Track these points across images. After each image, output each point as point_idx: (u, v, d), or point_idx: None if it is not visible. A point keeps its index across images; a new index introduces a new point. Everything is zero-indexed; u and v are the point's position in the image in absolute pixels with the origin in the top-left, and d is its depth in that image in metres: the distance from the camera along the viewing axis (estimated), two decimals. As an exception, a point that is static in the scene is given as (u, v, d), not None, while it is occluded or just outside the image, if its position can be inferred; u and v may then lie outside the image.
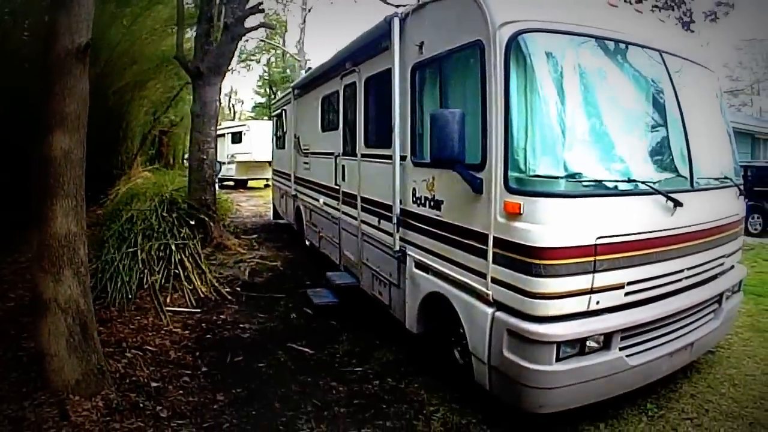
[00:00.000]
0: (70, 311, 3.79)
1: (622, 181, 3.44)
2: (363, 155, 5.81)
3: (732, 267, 4.45)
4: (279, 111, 11.45)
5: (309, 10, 31.54)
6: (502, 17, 3.38)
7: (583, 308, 3.22)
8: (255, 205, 17.00)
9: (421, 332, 4.58)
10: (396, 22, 4.69)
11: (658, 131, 3.85)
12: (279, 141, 11.90)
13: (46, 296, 3.74)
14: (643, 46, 3.93)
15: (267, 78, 42.08)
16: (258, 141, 22.42)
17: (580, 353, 3.24)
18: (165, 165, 15.39)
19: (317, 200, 7.83)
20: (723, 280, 4.25)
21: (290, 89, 10.04)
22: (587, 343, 3.23)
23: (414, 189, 4.47)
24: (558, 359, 3.16)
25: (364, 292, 6.00)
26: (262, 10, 9.43)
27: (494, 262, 3.40)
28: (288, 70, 36.73)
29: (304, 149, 8.83)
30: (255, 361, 4.73)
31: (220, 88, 10.08)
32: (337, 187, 6.74)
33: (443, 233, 4.03)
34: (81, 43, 3.84)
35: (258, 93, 45.78)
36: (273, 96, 37.69)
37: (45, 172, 3.77)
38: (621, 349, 3.37)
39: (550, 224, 3.14)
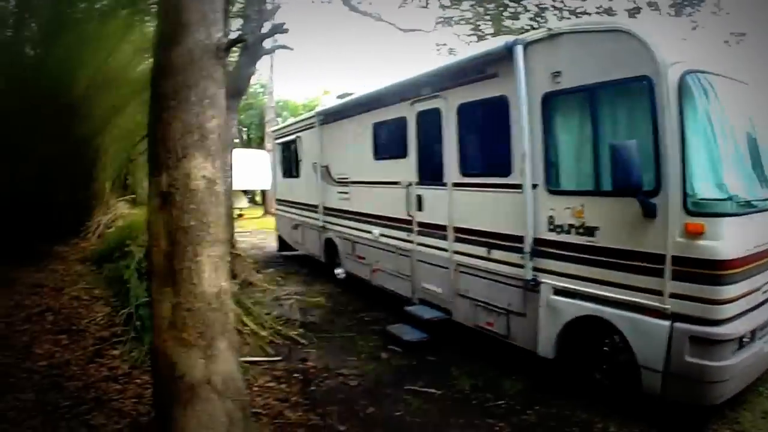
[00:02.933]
0: (229, 393, 2.98)
1: (759, 199, 3.94)
2: (457, 184, 5.66)
3: None
4: (290, 138, 11.10)
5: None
6: (670, 58, 3.64)
7: (743, 309, 3.65)
8: (244, 236, 16.09)
9: (555, 357, 4.51)
10: (519, 49, 4.59)
11: (761, 152, 4.28)
12: (287, 169, 11.66)
13: (193, 378, 2.90)
14: (740, 81, 4.35)
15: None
16: (238, 170, 21.61)
17: (739, 347, 3.65)
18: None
19: (369, 232, 7.55)
20: None
21: (314, 115, 9.58)
22: (743, 338, 3.68)
23: (551, 217, 4.45)
24: (733, 354, 3.58)
25: (455, 325, 5.79)
26: (286, 30, 8.91)
27: (673, 278, 3.60)
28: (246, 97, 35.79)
29: (339, 178, 8.57)
30: (389, 410, 4.24)
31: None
32: (408, 218, 6.53)
33: (599, 258, 4.08)
34: (220, 39, 3.11)
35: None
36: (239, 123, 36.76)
37: (181, 210, 2.95)
38: (759, 339, 3.89)
39: (728, 239, 3.51)
